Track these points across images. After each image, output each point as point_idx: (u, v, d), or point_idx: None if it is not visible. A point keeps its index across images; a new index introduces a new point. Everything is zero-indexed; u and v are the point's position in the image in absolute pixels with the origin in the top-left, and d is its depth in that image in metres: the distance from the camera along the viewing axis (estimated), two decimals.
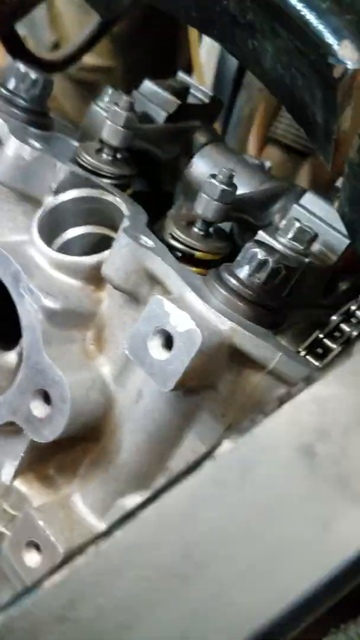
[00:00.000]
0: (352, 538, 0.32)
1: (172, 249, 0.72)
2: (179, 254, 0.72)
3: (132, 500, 0.70)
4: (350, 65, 0.43)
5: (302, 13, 0.46)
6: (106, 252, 0.71)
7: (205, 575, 0.33)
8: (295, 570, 0.32)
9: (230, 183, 0.72)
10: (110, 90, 0.88)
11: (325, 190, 0.86)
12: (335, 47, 0.44)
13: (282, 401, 0.36)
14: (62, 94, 1.61)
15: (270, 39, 0.51)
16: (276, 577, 0.32)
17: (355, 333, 0.71)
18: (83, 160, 0.80)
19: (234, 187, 0.72)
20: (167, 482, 0.35)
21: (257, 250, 0.64)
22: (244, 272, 0.64)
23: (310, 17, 0.45)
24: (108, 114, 0.79)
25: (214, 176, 0.72)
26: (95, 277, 0.72)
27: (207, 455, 0.35)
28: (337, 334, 0.71)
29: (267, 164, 0.98)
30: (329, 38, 0.44)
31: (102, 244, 0.78)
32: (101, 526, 0.71)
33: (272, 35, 0.50)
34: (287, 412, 0.36)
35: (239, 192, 0.74)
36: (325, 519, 0.33)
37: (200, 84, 1.14)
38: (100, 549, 0.33)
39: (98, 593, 0.32)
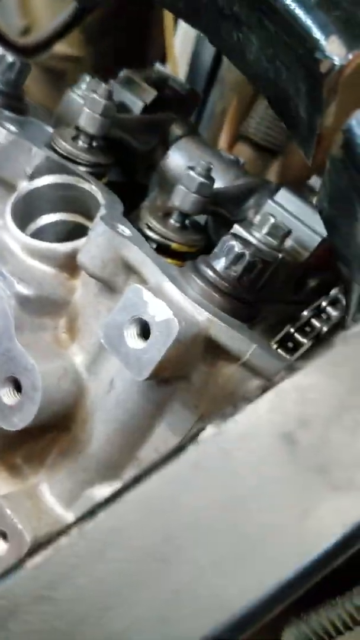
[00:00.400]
0: (330, 525, 0.33)
1: (148, 239, 0.72)
2: (155, 245, 0.72)
3: (101, 490, 0.69)
4: (337, 60, 0.44)
5: (291, 7, 0.46)
6: (81, 240, 0.71)
7: (185, 558, 0.33)
8: (275, 555, 0.33)
9: (208, 176, 0.72)
10: (87, 78, 0.87)
11: (296, 187, 0.87)
12: (323, 42, 0.44)
13: (264, 389, 0.36)
14: (31, 79, 1.58)
15: (256, 32, 0.51)
16: (255, 562, 0.33)
17: (325, 328, 0.73)
18: (59, 147, 0.79)
19: (212, 180, 0.73)
20: (150, 465, 0.35)
21: (234, 243, 0.65)
22: (220, 264, 0.64)
23: (299, 11, 0.46)
24: (86, 102, 0.79)
25: (192, 168, 0.72)
26: (69, 265, 0.71)
27: (190, 439, 0.36)
28: (307, 328, 0.72)
29: (241, 160, 0.99)
30: (317, 33, 0.45)
31: (76, 231, 0.77)
32: (68, 516, 0.70)
33: (258, 28, 0.51)
34: (269, 400, 0.36)
35: (215, 185, 0.75)
36: (305, 506, 0.33)
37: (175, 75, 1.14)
38: (82, 530, 0.33)
39: (79, 574, 0.32)
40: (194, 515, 0.34)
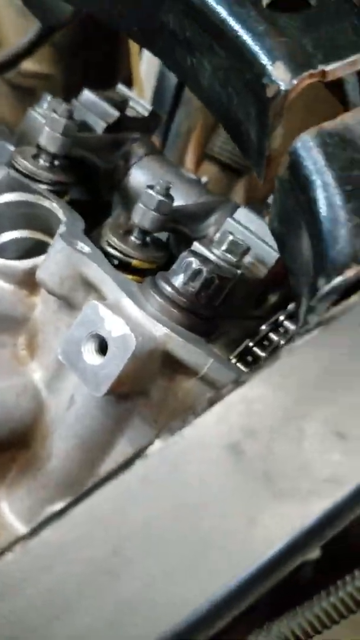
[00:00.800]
0: (276, 532, 0.34)
1: (109, 256, 0.72)
2: (116, 262, 0.73)
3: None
4: (282, 85, 0.46)
5: (240, 34, 0.48)
6: (41, 257, 0.71)
7: (134, 570, 0.33)
8: (222, 563, 0.34)
9: (167, 194, 0.73)
10: (49, 97, 0.89)
11: (258, 206, 0.90)
12: (269, 67, 0.46)
13: (212, 402, 0.37)
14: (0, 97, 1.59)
15: (208, 57, 0.53)
16: (203, 570, 0.33)
17: (282, 342, 0.74)
18: (19, 165, 0.79)
19: (171, 198, 0.74)
20: (98, 480, 0.35)
21: (192, 259, 0.66)
22: (178, 280, 0.65)
23: (247, 37, 0.48)
24: (46, 121, 0.80)
25: (151, 187, 0.73)
26: (29, 282, 0.72)
27: (138, 454, 0.36)
28: (266, 342, 0.74)
29: (204, 179, 1.01)
30: (264, 59, 0.46)
31: (36, 249, 0.78)
32: None
33: (210, 54, 0.53)
34: (216, 412, 0.37)
35: (176, 204, 0.76)
36: (251, 514, 0.34)
37: (140, 97, 1.16)
38: (28, 546, 0.33)
39: (27, 585, 0.32)
40: (142, 526, 0.34)
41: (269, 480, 0.34)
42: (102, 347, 0.59)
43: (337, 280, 0.39)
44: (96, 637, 0.32)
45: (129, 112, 0.96)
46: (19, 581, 0.32)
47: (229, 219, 0.80)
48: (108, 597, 0.33)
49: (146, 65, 1.54)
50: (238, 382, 0.38)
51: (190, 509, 0.34)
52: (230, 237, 0.74)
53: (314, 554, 0.70)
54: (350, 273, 0.39)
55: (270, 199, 0.86)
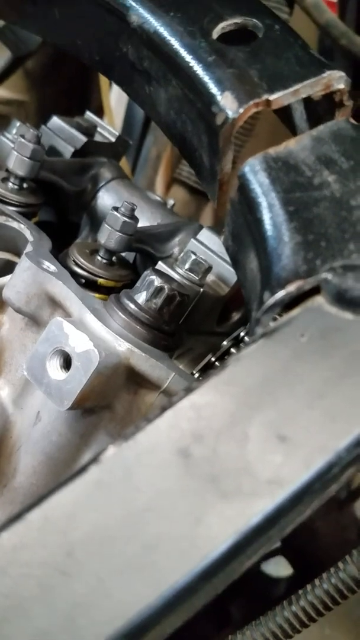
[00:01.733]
0: (221, 530, 0.36)
1: (75, 275, 0.75)
2: (83, 281, 0.75)
3: None
4: (230, 114, 0.49)
5: (191, 64, 0.51)
6: (7, 277, 0.73)
7: (86, 571, 0.35)
8: (169, 563, 0.35)
9: (131, 215, 0.76)
10: (17, 123, 0.91)
11: (220, 229, 0.93)
12: (218, 97, 0.49)
13: (163, 408, 0.39)
14: None
15: (163, 87, 0.56)
16: (151, 570, 0.35)
17: None
18: None
19: (136, 219, 0.77)
20: (54, 486, 0.37)
21: (154, 277, 0.68)
22: (142, 297, 0.68)
23: (197, 68, 0.51)
24: (15, 145, 0.82)
25: (116, 209, 0.76)
26: None
27: (93, 459, 0.38)
28: (227, 357, 0.76)
29: (170, 201, 1.04)
30: (213, 89, 0.50)
31: (4, 269, 0.79)
32: None
33: (165, 83, 0.56)
34: (167, 418, 0.39)
35: (141, 224, 0.79)
36: (198, 514, 0.36)
37: (110, 125, 1.20)
38: None
39: None
40: (94, 530, 0.36)
41: (215, 482, 0.36)
42: (67, 363, 0.61)
43: (280, 293, 0.42)
44: (51, 639, 0.33)
45: (97, 138, 0.99)
46: None
47: (192, 240, 0.83)
48: (60, 599, 0.34)
49: (116, 94, 1.58)
50: (188, 390, 0.40)
51: (140, 511, 0.36)
52: (193, 257, 0.77)
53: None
54: (291, 287, 0.42)
55: None
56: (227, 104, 0.48)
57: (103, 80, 1.48)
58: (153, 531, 0.36)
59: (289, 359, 0.40)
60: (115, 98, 1.60)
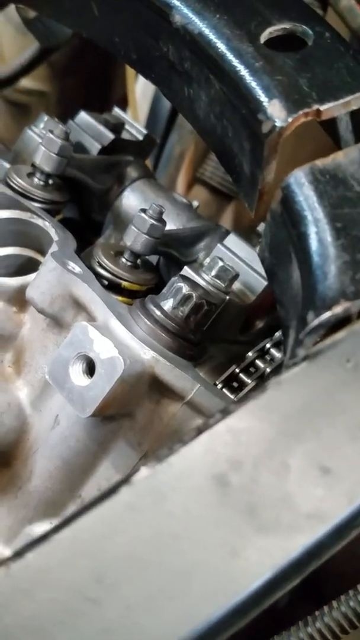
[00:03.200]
0: (258, 565, 0.34)
1: (99, 277, 0.73)
2: (106, 283, 0.74)
3: (41, 527, 0.68)
4: (277, 122, 0.47)
5: (237, 69, 0.49)
6: (31, 275, 0.71)
7: (115, 597, 0.33)
8: (203, 595, 0.34)
9: (159, 218, 0.74)
10: (45, 117, 0.89)
11: (246, 232, 0.91)
12: (266, 104, 0.47)
13: (199, 431, 0.38)
14: None
15: (205, 89, 0.54)
16: (184, 601, 0.34)
17: (268, 369, 0.75)
18: (14, 182, 0.80)
19: (163, 222, 0.75)
20: (83, 506, 0.36)
21: (182, 284, 0.66)
22: (168, 304, 0.66)
23: (244, 73, 0.49)
24: (43, 140, 0.80)
25: (144, 210, 0.74)
26: (18, 299, 0.72)
27: (124, 480, 0.36)
28: (252, 369, 0.74)
29: (195, 203, 1.02)
30: (260, 95, 0.48)
31: (27, 266, 0.78)
32: (7, 553, 0.69)
33: (207, 86, 0.54)
34: (203, 442, 0.37)
35: (167, 227, 0.77)
36: (234, 546, 0.34)
37: (134, 119, 1.18)
38: (10, 570, 0.33)
39: (6, 613, 0.31)
40: (125, 555, 0.34)
41: (253, 513, 0.35)
42: (90, 369, 0.60)
43: (326, 315, 0.40)
44: None
45: (124, 135, 0.98)
46: None
47: (219, 245, 0.81)
48: (88, 625, 0.33)
49: (141, 88, 1.56)
50: (225, 412, 0.39)
51: (173, 539, 0.35)
52: (220, 263, 0.75)
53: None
54: (338, 309, 0.40)
55: (260, 227, 0.88)
56: (275, 112, 0.47)
57: (129, 74, 1.46)
58: (186, 560, 0.34)
59: (333, 386, 0.38)
60: (140, 92, 1.58)
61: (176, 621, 0.33)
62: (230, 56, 0.50)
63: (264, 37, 0.51)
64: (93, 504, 0.36)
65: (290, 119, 0.46)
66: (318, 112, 0.47)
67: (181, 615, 0.33)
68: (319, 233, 0.44)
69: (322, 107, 0.47)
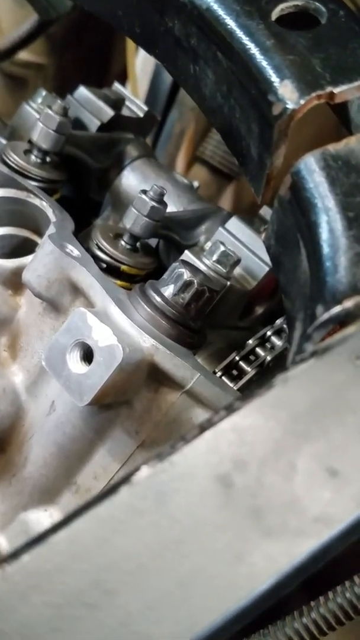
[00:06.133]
0: (263, 571, 0.33)
1: (97, 259, 0.71)
2: (104, 266, 0.72)
3: (36, 515, 0.67)
4: (289, 105, 0.45)
5: (247, 47, 0.47)
6: (28, 257, 0.69)
7: (113, 603, 0.32)
8: (205, 601, 0.33)
9: (160, 200, 0.72)
10: (43, 92, 0.86)
11: (246, 214, 0.89)
12: (276, 85, 0.45)
13: (203, 429, 0.36)
14: None
15: (211, 67, 0.52)
16: (185, 607, 0.32)
17: (269, 357, 0.74)
18: (10, 160, 0.77)
19: (164, 204, 0.73)
20: (81, 506, 0.34)
21: (183, 270, 0.65)
22: (168, 290, 0.64)
23: (254, 52, 0.46)
24: (40, 116, 0.78)
25: (144, 192, 0.72)
26: (14, 282, 0.70)
27: (124, 480, 0.35)
28: (252, 357, 0.73)
29: (196, 183, 0.99)
30: (271, 75, 0.45)
31: (23, 247, 0.76)
32: (0, 540, 0.68)
33: (214, 64, 0.51)
34: (207, 440, 0.36)
35: (168, 210, 0.75)
36: (238, 551, 0.33)
37: (134, 95, 1.14)
38: (5, 573, 0.32)
39: (0, 618, 0.30)
40: (124, 558, 0.33)
41: (257, 517, 0.33)
42: (88, 356, 0.58)
43: (336, 309, 0.39)
44: None
45: (124, 112, 0.95)
46: None
47: (220, 229, 0.79)
48: (85, 631, 0.32)
49: (141, 64, 1.52)
50: (230, 410, 0.37)
51: (175, 542, 0.33)
52: (222, 248, 0.73)
53: None
54: (349, 303, 0.39)
55: (262, 211, 0.85)
56: (287, 93, 0.44)
57: (129, 48, 1.41)
58: (189, 565, 0.33)
59: (342, 383, 0.37)
60: (140, 68, 1.54)
61: (177, 629, 0.32)
62: (239, 33, 0.48)
63: (275, 14, 0.49)
64: (91, 504, 0.34)
65: (302, 102, 0.44)
66: (331, 94, 0.44)
67: (183, 622, 0.32)
68: (329, 222, 0.42)
69: (336, 90, 0.44)
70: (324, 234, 0.42)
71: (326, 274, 0.40)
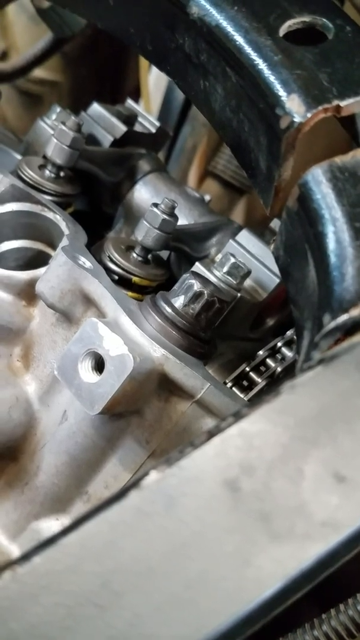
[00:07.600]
0: (270, 574, 0.33)
1: (109, 271, 0.72)
2: (116, 277, 0.73)
3: (48, 523, 0.68)
4: (296, 118, 0.46)
5: (255, 62, 0.48)
6: (41, 269, 0.71)
7: (122, 605, 0.33)
8: (213, 604, 0.33)
9: (171, 213, 0.73)
10: (58, 109, 0.88)
11: (257, 227, 0.90)
12: (284, 99, 0.46)
13: (211, 434, 0.37)
14: (6, 101, 1.60)
15: (221, 83, 0.53)
16: (193, 610, 0.33)
17: (279, 368, 0.74)
18: (25, 175, 0.79)
19: (175, 217, 0.74)
20: (91, 509, 0.35)
21: (193, 281, 0.65)
22: (179, 301, 0.65)
23: (263, 67, 0.48)
24: (55, 132, 0.79)
25: (156, 205, 0.73)
26: (27, 293, 0.71)
27: (133, 484, 0.35)
28: (262, 368, 0.73)
29: (207, 197, 1.01)
30: (279, 90, 0.46)
31: (37, 259, 0.77)
32: (13, 548, 0.69)
33: (223, 79, 0.53)
34: (215, 446, 0.36)
35: (179, 222, 0.76)
36: (246, 555, 0.33)
37: (147, 111, 1.16)
38: (17, 574, 0.32)
39: (11, 618, 0.31)
40: (133, 560, 0.34)
41: (265, 521, 0.34)
42: (99, 365, 0.59)
43: (343, 318, 0.39)
44: None
45: (137, 128, 0.96)
46: (3, 611, 0.31)
47: (231, 241, 0.80)
48: (94, 631, 0.32)
49: (155, 79, 1.55)
50: (238, 416, 0.38)
51: (183, 545, 0.34)
52: (232, 260, 0.74)
53: None
54: (355, 312, 0.39)
55: (273, 224, 0.86)
56: (294, 107, 0.45)
57: (143, 65, 1.44)
58: (196, 568, 0.33)
59: (349, 390, 0.37)
60: (153, 84, 1.57)
61: (185, 631, 0.32)
62: (248, 49, 0.49)
63: (283, 30, 0.50)
64: (101, 508, 0.35)
65: (309, 115, 0.45)
66: (338, 108, 0.45)
67: (190, 625, 0.33)
68: (337, 233, 0.42)
69: (343, 103, 0.45)
70: (331, 244, 0.42)
71: (333, 283, 0.41)
